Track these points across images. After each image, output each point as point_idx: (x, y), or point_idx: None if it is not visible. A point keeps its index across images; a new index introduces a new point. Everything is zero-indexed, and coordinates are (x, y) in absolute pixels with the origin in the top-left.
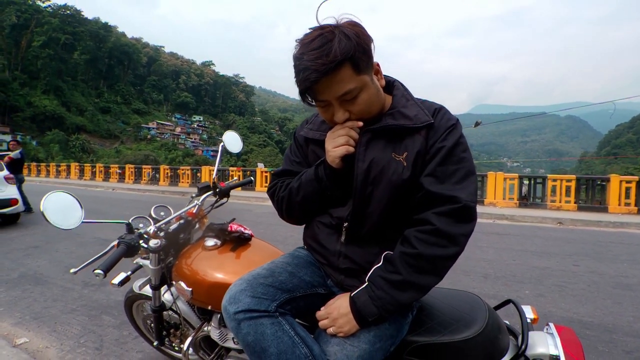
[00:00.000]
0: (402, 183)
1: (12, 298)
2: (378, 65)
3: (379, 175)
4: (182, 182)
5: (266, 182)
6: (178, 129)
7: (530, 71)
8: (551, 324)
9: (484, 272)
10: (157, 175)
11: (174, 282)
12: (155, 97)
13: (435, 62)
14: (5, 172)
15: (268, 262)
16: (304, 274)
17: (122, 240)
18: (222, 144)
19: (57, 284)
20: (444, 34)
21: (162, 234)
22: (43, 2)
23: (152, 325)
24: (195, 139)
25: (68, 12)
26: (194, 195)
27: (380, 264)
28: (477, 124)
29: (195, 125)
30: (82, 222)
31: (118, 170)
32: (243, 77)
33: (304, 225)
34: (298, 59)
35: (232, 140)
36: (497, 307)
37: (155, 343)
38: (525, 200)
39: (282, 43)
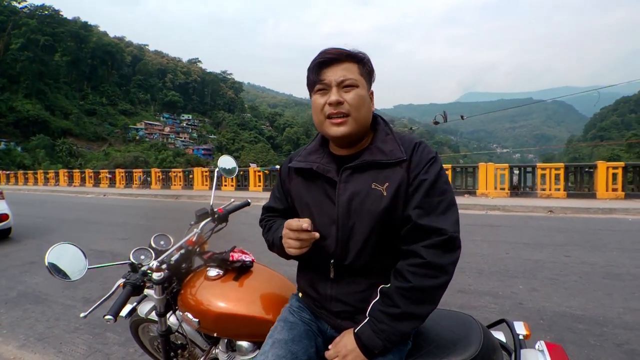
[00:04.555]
0: (382, 212)
1: (13, 319)
2: (372, 93)
3: (359, 206)
4: (175, 184)
5: (259, 182)
6: (167, 129)
7: (519, 58)
8: (542, 342)
9: (478, 268)
10: (149, 179)
11: (179, 311)
12: (142, 97)
13: (426, 52)
14: None
15: (269, 342)
16: (302, 353)
17: (127, 281)
18: (217, 169)
19: (58, 301)
20: (435, 24)
21: (164, 266)
22: (19, 3)
23: (159, 346)
24: (185, 137)
25: (46, 12)
26: (192, 223)
27: (378, 298)
28: (462, 118)
29: (185, 124)
30: (87, 269)
31: (108, 175)
32: (231, 74)
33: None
34: (320, 52)
35: (226, 164)
36: (491, 326)
37: None
38: (516, 190)
39: (270, 38)
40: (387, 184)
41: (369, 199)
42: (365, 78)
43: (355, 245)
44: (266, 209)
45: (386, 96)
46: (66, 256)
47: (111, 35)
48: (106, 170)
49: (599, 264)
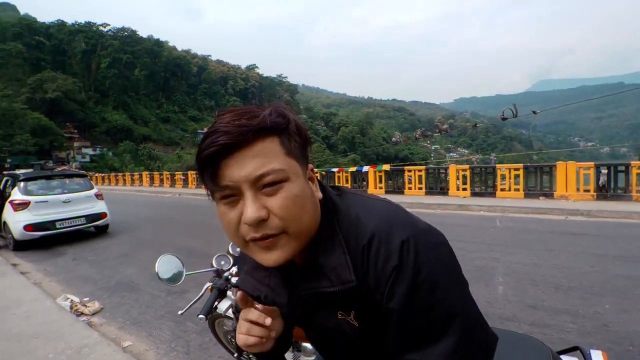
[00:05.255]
0: (359, 344)
1: (114, 304)
2: (313, 170)
3: (334, 338)
4: None
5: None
6: None
7: (603, 39)
8: None
9: (555, 282)
10: None
11: None
12: (207, 104)
13: (489, 39)
14: (96, 190)
15: None
16: None
17: (214, 285)
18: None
19: (147, 291)
20: (498, 8)
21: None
22: (105, 27)
23: (232, 340)
24: None
25: (126, 33)
26: None
27: None
28: (534, 112)
29: None
30: (185, 275)
31: (182, 177)
32: (286, 77)
33: None
34: (210, 127)
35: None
36: (562, 352)
37: (235, 355)
38: (604, 192)
39: (322, 38)
40: (354, 312)
41: (342, 330)
42: (296, 155)
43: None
44: None
45: (445, 89)
46: (169, 265)
47: (179, 48)
48: (180, 173)
49: None
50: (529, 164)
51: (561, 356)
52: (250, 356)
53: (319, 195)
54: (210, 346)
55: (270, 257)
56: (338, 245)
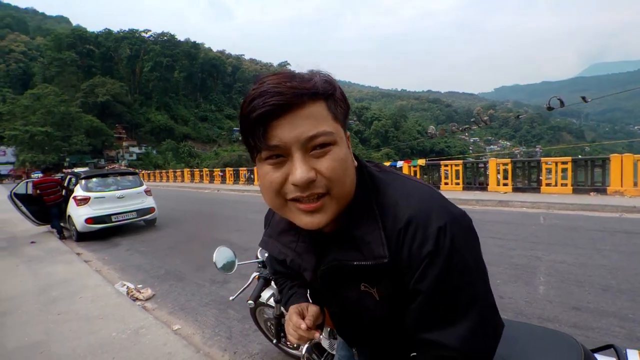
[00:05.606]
0: (382, 318)
1: (163, 291)
2: (348, 137)
3: (354, 313)
4: None
5: None
6: None
7: None
8: None
9: (603, 283)
10: (252, 176)
11: None
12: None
13: (531, 22)
14: (145, 186)
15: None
16: None
17: (261, 275)
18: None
19: (192, 280)
20: None
21: None
22: (146, 34)
23: (272, 327)
24: None
25: (165, 38)
26: None
27: None
28: (584, 100)
29: None
30: (237, 265)
31: (220, 173)
32: None
33: None
34: (255, 89)
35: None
36: (595, 351)
37: (274, 341)
38: None
39: (351, 31)
40: (376, 287)
41: (363, 303)
42: (341, 120)
43: (368, 339)
44: (270, 265)
45: (485, 78)
46: (224, 255)
47: (214, 49)
48: (218, 169)
49: None
50: (578, 157)
51: (595, 354)
52: (288, 343)
53: (355, 163)
54: (250, 332)
55: (312, 220)
56: (373, 220)
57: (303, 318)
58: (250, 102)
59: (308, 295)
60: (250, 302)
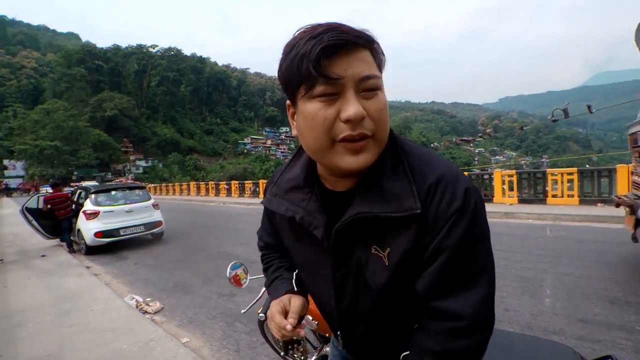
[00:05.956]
0: (384, 287)
1: (172, 304)
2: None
3: (356, 278)
4: None
5: None
6: (269, 142)
7: None
8: None
9: (610, 296)
10: (257, 189)
11: None
12: (247, 115)
13: (537, 32)
14: (153, 200)
15: None
16: None
17: None
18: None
19: (199, 293)
20: None
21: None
22: (154, 49)
23: (279, 340)
24: (284, 149)
25: (172, 53)
26: None
27: None
28: (589, 111)
29: (283, 136)
30: (249, 279)
31: (226, 186)
32: None
33: None
34: (306, 31)
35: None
36: None
37: (282, 354)
38: None
39: None
40: (389, 249)
41: (368, 268)
42: (382, 70)
43: (360, 320)
44: (260, 238)
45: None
46: (236, 270)
47: (220, 64)
48: (224, 182)
49: None
50: (585, 167)
51: None
52: (296, 356)
53: None
54: (258, 345)
55: (357, 160)
56: (403, 174)
57: (286, 315)
58: (307, 40)
59: (293, 281)
60: (261, 315)
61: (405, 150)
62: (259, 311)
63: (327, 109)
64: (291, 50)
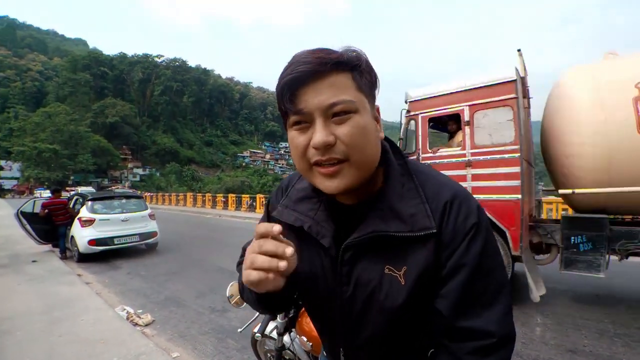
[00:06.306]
0: (400, 308)
1: (163, 317)
2: (379, 111)
3: (368, 300)
4: None
5: None
6: (267, 156)
7: None
8: None
9: (599, 327)
10: (254, 203)
11: (295, 333)
12: (247, 129)
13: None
14: (149, 210)
15: None
16: None
17: None
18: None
19: (192, 307)
20: (542, 28)
21: None
22: (159, 58)
23: (272, 359)
24: (282, 164)
25: (177, 63)
26: None
27: None
28: None
29: (282, 152)
30: None
31: (222, 199)
32: None
33: None
34: (289, 62)
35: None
36: None
37: None
38: None
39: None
40: (406, 267)
41: (382, 290)
42: (366, 92)
43: (367, 341)
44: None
45: None
46: (234, 289)
47: (223, 76)
48: (221, 195)
49: None
50: None
51: None
52: None
53: (382, 135)
54: None
55: (332, 184)
56: (415, 194)
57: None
58: (284, 71)
59: None
60: (257, 334)
61: (415, 170)
62: (255, 330)
63: (300, 136)
64: (278, 79)
